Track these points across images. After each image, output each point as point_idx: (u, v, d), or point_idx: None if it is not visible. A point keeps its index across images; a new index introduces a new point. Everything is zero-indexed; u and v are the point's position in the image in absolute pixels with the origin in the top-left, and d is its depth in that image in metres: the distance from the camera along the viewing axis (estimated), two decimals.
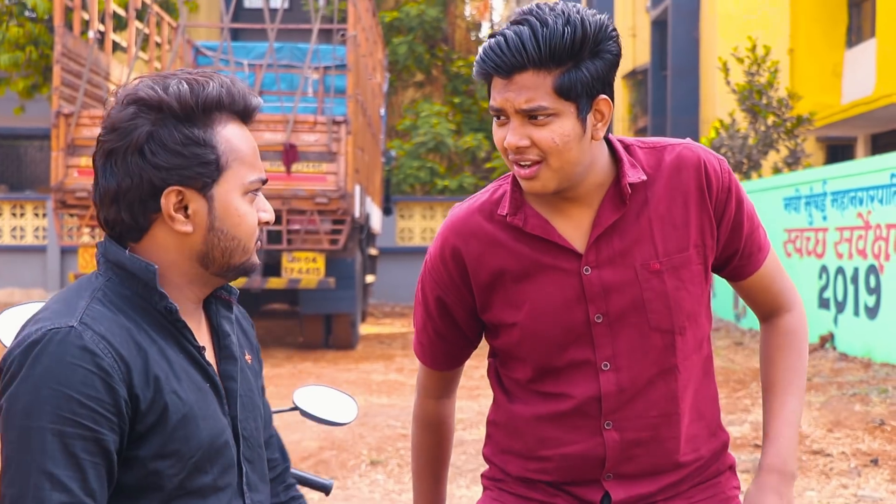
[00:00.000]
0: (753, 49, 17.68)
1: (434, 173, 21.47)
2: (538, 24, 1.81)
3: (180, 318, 1.66)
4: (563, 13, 1.82)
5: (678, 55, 33.78)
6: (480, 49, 1.89)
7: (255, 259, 1.74)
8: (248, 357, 1.84)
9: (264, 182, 1.72)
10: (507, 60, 1.82)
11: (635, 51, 41.41)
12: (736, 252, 2.09)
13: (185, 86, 1.63)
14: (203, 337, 1.74)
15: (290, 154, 11.57)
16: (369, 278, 15.69)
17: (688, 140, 2.07)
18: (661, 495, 2.06)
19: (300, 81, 12.67)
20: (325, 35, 15.26)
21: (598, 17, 1.87)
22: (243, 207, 1.67)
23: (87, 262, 11.72)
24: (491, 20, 27.73)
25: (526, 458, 2.13)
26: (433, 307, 2.13)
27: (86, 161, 11.56)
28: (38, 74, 16.90)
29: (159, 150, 1.61)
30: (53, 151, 11.58)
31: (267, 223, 1.74)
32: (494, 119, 1.93)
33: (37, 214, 19.26)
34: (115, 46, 14.81)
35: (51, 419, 1.49)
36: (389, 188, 18.73)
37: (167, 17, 15.28)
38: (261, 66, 13.50)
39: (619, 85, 44.88)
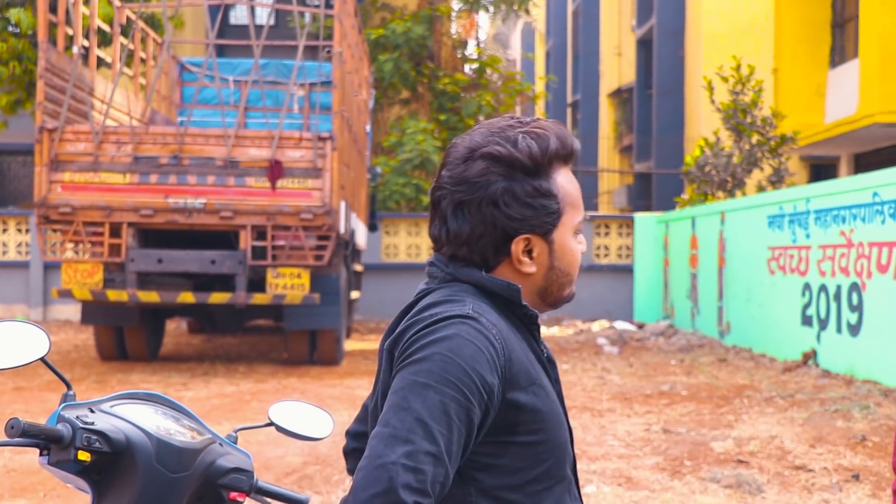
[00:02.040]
0: (738, 68, 17.80)
1: (420, 190, 21.49)
2: None
3: (538, 323, 1.86)
4: None
5: (663, 74, 33.96)
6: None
7: (575, 289, 1.94)
8: None
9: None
10: None
11: (621, 70, 41.60)
12: None
13: (532, 142, 1.80)
14: None
15: (275, 170, 11.57)
16: (354, 294, 15.67)
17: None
18: None
19: (286, 98, 12.67)
20: (311, 52, 15.29)
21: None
22: (574, 246, 1.87)
23: (70, 278, 11.67)
24: (477, 38, 27.83)
25: None
26: None
27: (69, 177, 11.54)
28: (22, 90, 16.88)
29: (513, 202, 1.79)
30: (37, 167, 11.54)
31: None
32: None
33: (20, 230, 19.19)
34: (100, 62, 14.80)
35: (437, 380, 1.65)
36: (375, 204, 18.74)
37: (152, 33, 15.28)
38: (246, 82, 13.51)
39: (605, 103, 45.04)
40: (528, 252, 1.82)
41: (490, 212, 1.78)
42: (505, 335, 1.74)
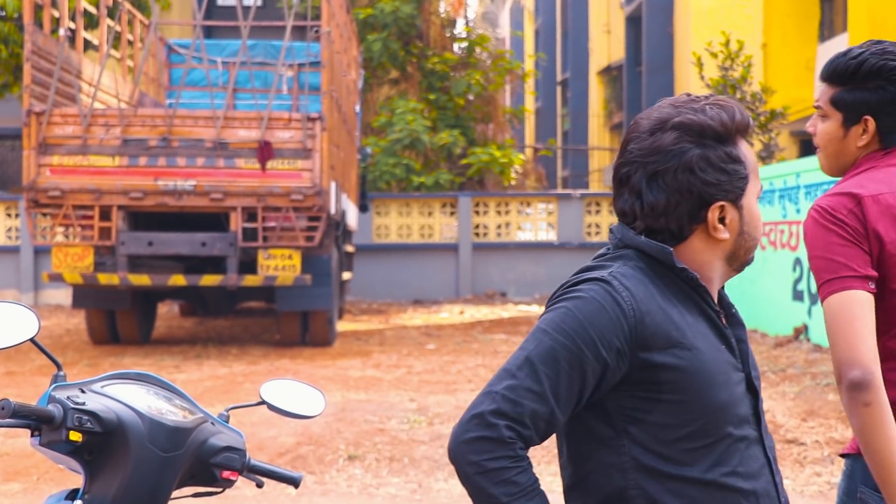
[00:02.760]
0: (727, 44, 17.76)
1: (410, 170, 21.45)
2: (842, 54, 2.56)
3: (701, 283, 1.93)
4: (870, 51, 2.53)
5: (652, 51, 33.90)
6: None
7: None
8: None
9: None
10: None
11: (610, 47, 41.52)
12: None
13: (720, 111, 1.89)
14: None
15: (264, 151, 11.54)
16: (346, 275, 15.66)
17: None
18: None
19: (274, 79, 12.63)
20: (299, 32, 15.22)
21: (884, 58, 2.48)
22: (758, 211, 1.97)
23: (60, 262, 11.63)
24: (465, 17, 27.74)
25: None
26: None
27: (58, 160, 11.49)
28: (9, 73, 16.78)
29: (708, 168, 1.86)
30: (25, 150, 11.50)
31: None
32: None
33: (9, 215, 19.12)
34: (87, 44, 14.72)
35: (555, 329, 1.82)
36: (365, 185, 18.70)
37: (139, 15, 15.19)
38: (234, 63, 13.45)
39: (595, 81, 44.98)
40: (721, 219, 1.90)
41: (686, 179, 1.86)
42: (641, 298, 1.84)
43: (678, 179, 1.86)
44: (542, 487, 1.79)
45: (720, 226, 1.90)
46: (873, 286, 2.30)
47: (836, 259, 2.31)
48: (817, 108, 2.57)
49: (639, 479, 1.84)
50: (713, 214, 1.89)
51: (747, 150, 1.94)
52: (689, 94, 1.96)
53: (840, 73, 2.52)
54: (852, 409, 2.21)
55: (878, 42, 2.53)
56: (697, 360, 1.86)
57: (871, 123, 2.47)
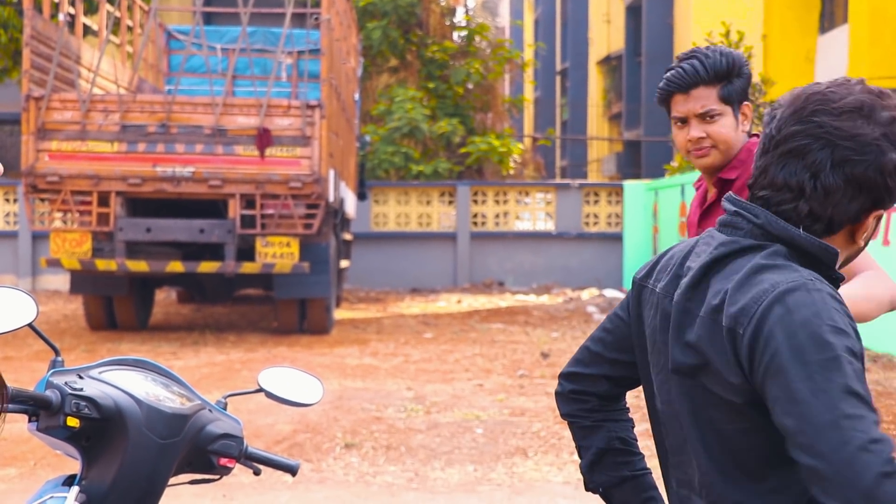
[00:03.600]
0: (727, 35, 17.73)
1: (409, 158, 21.43)
2: (703, 57, 2.82)
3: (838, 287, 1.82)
4: (716, 50, 2.85)
5: (652, 41, 33.85)
6: (664, 79, 2.88)
7: None
8: None
9: None
10: (687, 80, 2.82)
11: (609, 37, 41.46)
12: None
13: None
14: None
15: (263, 138, 11.52)
16: (344, 263, 15.66)
17: None
18: None
19: (274, 66, 12.60)
20: (299, 19, 15.18)
21: (736, 52, 2.85)
22: None
23: (58, 247, 11.62)
24: (465, 5, 27.67)
25: None
26: None
27: (56, 145, 11.48)
28: (8, 58, 16.74)
29: (894, 175, 1.73)
30: (24, 135, 11.47)
31: None
32: (676, 124, 2.89)
33: (7, 200, 19.10)
34: (86, 30, 14.68)
35: (838, 348, 1.59)
36: (364, 173, 18.68)
37: (138, 1, 15.16)
38: (234, 50, 13.42)
39: (594, 71, 44.92)
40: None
41: (874, 179, 1.72)
42: None
43: (867, 175, 1.72)
44: None
45: (867, 232, 1.81)
46: None
47: None
48: (704, 114, 2.84)
49: None
50: (874, 220, 1.78)
51: None
52: (867, 88, 1.80)
53: (720, 72, 2.82)
54: None
55: (703, 48, 2.92)
56: None
57: (749, 107, 2.87)
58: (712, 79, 2.81)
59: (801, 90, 1.80)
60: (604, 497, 2.09)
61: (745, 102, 2.88)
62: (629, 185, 20.40)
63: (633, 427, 2.14)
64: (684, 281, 1.79)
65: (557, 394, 2.12)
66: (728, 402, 1.71)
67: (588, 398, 2.08)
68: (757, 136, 2.89)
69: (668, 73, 2.86)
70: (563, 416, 2.12)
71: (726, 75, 2.82)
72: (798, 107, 1.77)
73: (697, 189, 3.10)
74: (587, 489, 2.11)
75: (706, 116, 2.83)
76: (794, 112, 1.77)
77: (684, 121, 2.87)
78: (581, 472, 2.08)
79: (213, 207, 11.94)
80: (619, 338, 2.02)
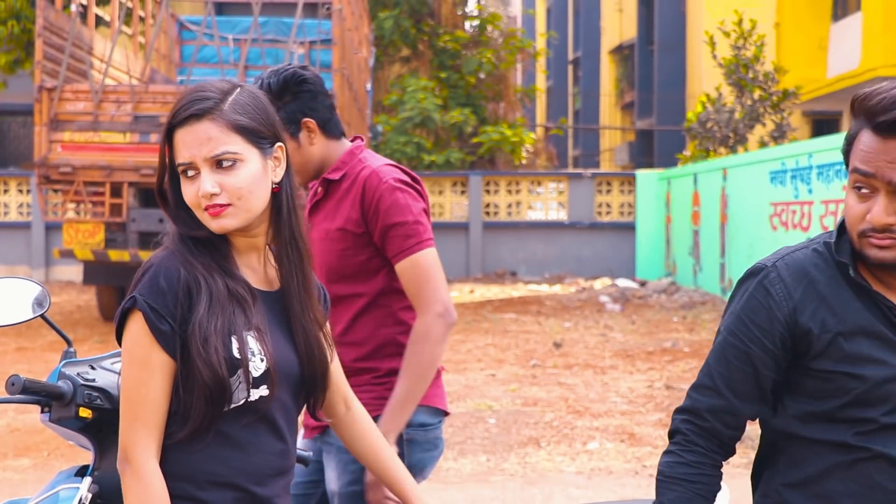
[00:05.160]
0: (740, 23, 17.66)
1: (421, 148, 21.40)
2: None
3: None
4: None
5: (664, 30, 33.70)
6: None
7: None
8: None
9: None
10: None
11: (622, 26, 41.31)
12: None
13: None
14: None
15: None
16: None
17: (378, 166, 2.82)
18: None
19: (285, 56, 12.61)
20: (311, 9, 15.16)
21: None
22: None
23: (71, 238, 11.65)
24: None
25: None
26: None
27: (69, 136, 11.49)
28: (21, 49, 16.75)
29: None
30: (36, 126, 11.50)
31: None
32: None
33: (21, 191, 19.15)
34: (98, 20, 14.69)
35: (726, 331, 2.02)
36: None
37: None
38: (246, 40, 13.41)
39: (606, 60, 44.78)
40: None
41: None
42: (795, 285, 2.01)
43: None
44: None
45: None
46: None
47: (425, 223, 2.81)
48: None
49: None
50: None
51: None
52: None
53: (276, 92, 2.78)
54: (445, 342, 2.76)
55: (273, 73, 2.83)
56: (842, 345, 2.03)
57: (312, 122, 2.83)
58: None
59: None
60: None
61: (304, 119, 2.82)
62: (642, 174, 20.34)
63: None
64: None
65: None
66: None
67: None
68: (360, 138, 2.97)
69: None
70: None
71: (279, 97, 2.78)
72: None
73: (310, 188, 3.05)
74: None
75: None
76: None
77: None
78: None
79: None
80: None
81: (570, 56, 52.23)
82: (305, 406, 2.11)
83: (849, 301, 1.94)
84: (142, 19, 15.05)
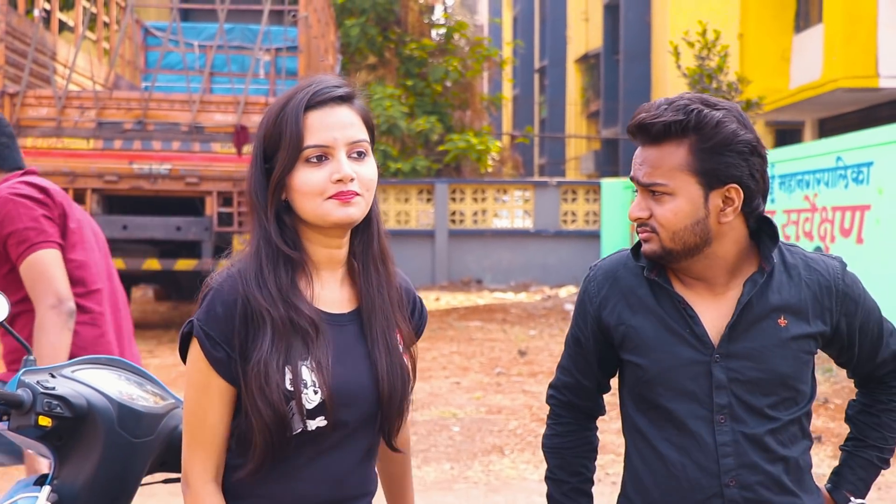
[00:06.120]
0: (704, 33, 17.79)
1: (387, 156, 21.41)
2: None
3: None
4: None
5: (630, 39, 33.93)
6: None
7: None
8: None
9: None
10: None
11: (588, 35, 41.52)
12: None
13: None
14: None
15: (241, 136, 11.49)
16: None
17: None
18: None
19: (251, 63, 12.56)
20: (277, 16, 15.15)
21: None
22: None
23: None
24: (444, 3, 27.68)
25: None
26: None
27: (32, 142, 11.41)
28: None
29: None
30: None
31: None
32: None
33: None
34: (62, 26, 14.59)
35: (571, 321, 2.35)
36: None
37: None
38: (211, 47, 13.37)
39: (572, 69, 44.99)
40: None
41: None
42: (602, 281, 2.33)
43: None
44: None
45: None
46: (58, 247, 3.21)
47: (42, 227, 3.18)
48: None
49: None
50: None
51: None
52: None
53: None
54: (65, 331, 3.08)
55: None
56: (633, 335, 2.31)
57: None
58: None
59: None
60: None
61: None
62: (607, 182, 20.44)
63: None
64: None
65: None
66: None
67: None
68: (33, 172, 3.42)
69: None
70: None
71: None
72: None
73: None
74: None
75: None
76: None
77: None
78: None
79: (189, 205, 11.89)
80: None
81: (537, 65, 52.43)
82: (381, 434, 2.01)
83: (645, 297, 2.16)
84: (106, 25, 14.97)
